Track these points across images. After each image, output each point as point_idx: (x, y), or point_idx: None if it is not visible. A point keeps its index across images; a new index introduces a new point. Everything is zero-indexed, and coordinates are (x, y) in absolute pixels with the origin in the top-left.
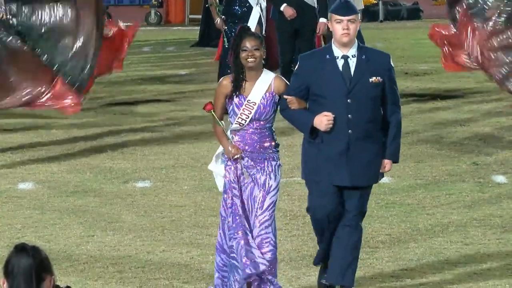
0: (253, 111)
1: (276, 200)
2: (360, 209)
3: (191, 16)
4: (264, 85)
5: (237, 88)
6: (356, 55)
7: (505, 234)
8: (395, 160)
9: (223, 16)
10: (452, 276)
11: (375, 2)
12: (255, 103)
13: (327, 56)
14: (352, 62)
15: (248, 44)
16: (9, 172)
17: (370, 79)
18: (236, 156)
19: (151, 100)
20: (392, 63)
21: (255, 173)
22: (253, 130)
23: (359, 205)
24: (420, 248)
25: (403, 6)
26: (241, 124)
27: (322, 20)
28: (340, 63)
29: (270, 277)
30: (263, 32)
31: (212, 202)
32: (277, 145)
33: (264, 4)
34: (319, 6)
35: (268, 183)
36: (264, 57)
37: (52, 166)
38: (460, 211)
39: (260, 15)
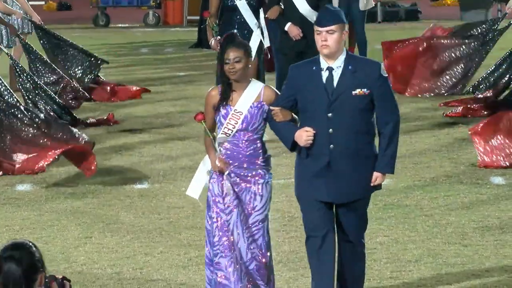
0: (239, 121)
1: (263, 218)
2: (355, 225)
3: (189, 17)
4: (252, 94)
5: (224, 98)
6: (342, 66)
7: (503, 236)
8: (387, 172)
9: (218, 37)
10: (450, 277)
11: (374, 2)
12: (242, 112)
13: (314, 68)
14: (337, 74)
15: (230, 55)
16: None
17: (354, 92)
18: (222, 171)
19: (150, 101)
20: (383, 72)
21: (241, 190)
22: (240, 141)
23: (353, 220)
24: (418, 249)
25: (401, 7)
26: (227, 135)
27: None
28: (325, 75)
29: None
30: (268, 56)
31: None
32: (267, 158)
33: (264, 29)
34: None
35: (253, 204)
36: (250, 65)
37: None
38: (458, 213)
39: (261, 39)
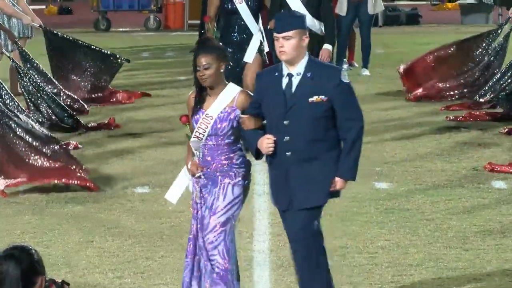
0: (209, 126)
1: (225, 221)
2: (304, 230)
3: (190, 22)
4: (225, 99)
5: (198, 103)
6: (302, 73)
7: (504, 240)
8: (348, 178)
9: (220, 43)
10: (451, 282)
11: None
12: (212, 117)
13: (276, 74)
14: (296, 81)
15: (199, 62)
16: None
17: (310, 99)
18: (194, 174)
19: (150, 105)
20: (344, 78)
21: (207, 193)
22: (211, 146)
23: (302, 226)
24: (420, 253)
25: (402, 11)
26: (199, 139)
27: (326, 46)
28: (285, 82)
29: None
30: (267, 62)
31: None
32: (243, 163)
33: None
34: (326, 32)
35: (215, 204)
36: (222, 70)
37: None
38: (459, 217)
39: (261, 42)
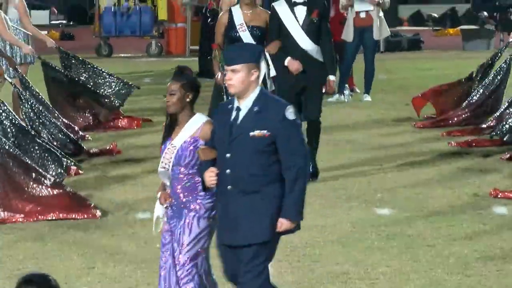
0: (173, 156)
1: (193, 256)
2: (249, 266)
3: (192, 47)
4: (190, 129)
5: (166, 132)
6: (249, 107)
7: (506, 266)
8: (292, 218)
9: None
10: None
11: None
12: (176, 147)
13: (229, 106)
14: (242, 114)
15: (167, 88)
16: None
17: (252, 133)
18: (163, 204)
19: (152, 131)
20: (289, 115)
21: (175, 224)
22: (178, 176)
23: (248, 263)
24: (421, 279)
25: (404, 37)
26: (165, 169)
27: (330, 77)
28: (233, 115)
29: None
30: (272, 88)
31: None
32: (207, 194)
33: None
34: (326, 61)
35: (182, 239)
36: (189, 99)
37: None
38: (461, 243)
39: (265, 71)
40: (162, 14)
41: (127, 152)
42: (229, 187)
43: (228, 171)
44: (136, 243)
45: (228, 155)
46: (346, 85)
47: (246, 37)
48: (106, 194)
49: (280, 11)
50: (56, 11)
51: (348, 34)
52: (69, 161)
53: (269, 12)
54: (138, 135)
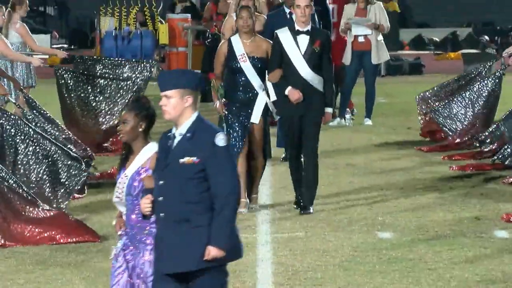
0: (125, 185)
1: None
2: None
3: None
4: (141, 159)
5: (122, 161)
6: (183, 134)
7: None
8: (219, 246)
9: (224, 100)
10: None
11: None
12: (128, 176)
13: (169, 134)
14: (176, 141)
15: (122, 117)
16: None
17: (182, 160)
18: (118, 233)
19: None
20: (219, 141)
21: (132, 252)
22: (130, 206)
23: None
24: None
25: (405, 61)
26: (119, 198)
27: (327, 110)
28: (169, 142)
29: None
30: (276, 118)
31: None
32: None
33: (271, 92)
34: (325, 92)
35: (143, 270)
36: (142, 129)
37: None
38: (462, 266)
39: (266, 101)
40: (163, 38)
41: None
42: (161, 214)
43: (160, 198)
44: None
45: (161, 182)
46: (348, 109)
47: (248, 68)
48: (107, 217)
49: (283, 38)
50: (57, 35)
51: (346, 57)
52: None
53: (269, 41)
54: None
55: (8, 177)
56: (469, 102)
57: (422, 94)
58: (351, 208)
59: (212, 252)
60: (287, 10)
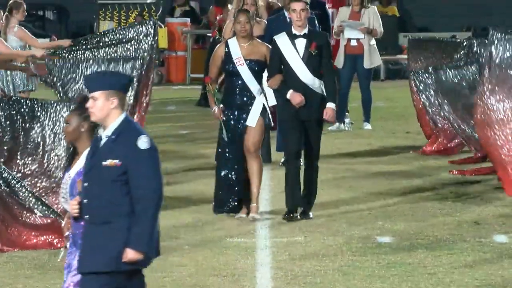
0: (68, 186)
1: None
2: None
3: (192, 75)
4: (83, 160)
5: (68, 162)
6: (109, 135)
7: None
8: (137, 248)
9: (221, 105)
10: None
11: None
12: (71, 177)
13: (99, 136)
14: (101, 143)
15: (65, 118)
16: None
17: (104, 162)
18: (65, 234)
19: None
20: (142, 144)
21: (72, 257)
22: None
23: None
24: None
25: (404, 65)
26: (64, 199)
27: (329, 105)
28: (97, 143)
29: None
30: (272, 124)
31: (213, 262)
32: None
33: (270, 93)
34: (327, 92)
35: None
36: (84, 129)
37: None
38: (461, 271)
39: (263, 105)
40: (162, 42)
41: None
42: (86, 216)
43: (85, 200)
44: None
45: (86, 184)
46: (347, 113)
47: (244, 71)
48: None
49: (280, 43)
50: (56, 39)
51: (338, 60)
52: None
53: (267, 45)
54: None
55: (10, 179)
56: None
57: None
58: (350, 212)
59: (130, 254)
60: (287, 15)
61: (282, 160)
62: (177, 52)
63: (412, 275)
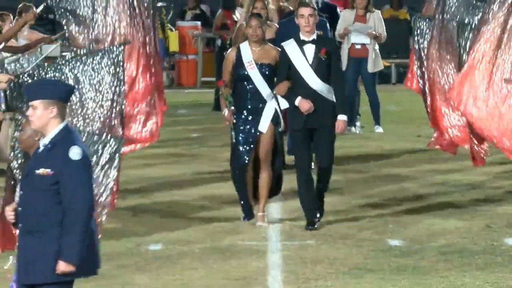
0: None
1: None
2: None
3: (203, 79)
4: None
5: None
6: (46, 144)
7: None
8: (68, 261)
9: (232, 108)
10: None
11: (388, 65)
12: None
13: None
14: (38, 152)
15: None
16: None
17: (37, 171)
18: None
19: (163, 163)
20: (73, 155)
21: None
22: None
23: None
24: None
25: None
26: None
27: (340, 117)
28: (37, 151)
29: None
30: (281, 128)
31: (224, 265)
32: None
33: (282, 100)
34: (337, 101)
35: None
36: (37, 138)
37: None
38: (472, 274)
39: (275, 110)
40: (174, 46)
41: (137, 184)
42: (20, 224)
43: (20, 209)
44: (148, 275)
45: (21, 192)
46: (358, 117)
47: (255, 75)
48: (117, 226)
49: (289, 50)
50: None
51: (342, 63)
52: None
53: (279, 49)
54: (148, 167)
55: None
56: None
57: None
58: (361, 215)
59: (61, 266)
60: None
61: (294, 163)
62: (188, 56)
63: (423, 278)
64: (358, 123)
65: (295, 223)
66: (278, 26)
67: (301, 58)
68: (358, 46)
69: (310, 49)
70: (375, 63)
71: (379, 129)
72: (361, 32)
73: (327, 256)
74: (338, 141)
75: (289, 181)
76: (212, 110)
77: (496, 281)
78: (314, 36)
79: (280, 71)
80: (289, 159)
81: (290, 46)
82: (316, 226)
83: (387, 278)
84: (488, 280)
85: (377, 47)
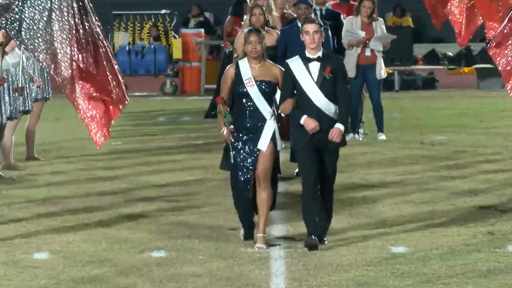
0: None
1: None
2: None
3: (206, 86)
4: None
5: None
6: None
7: None
8: None
9: (231, 127)
10: None
11: (391, 72)
12: None
13: None
14: None
15: None
16: (24, 241)
17: None
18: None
19: (167, 170)
20: None
21: None
22: None
23: None
24: None
25: (418, 75)
26: None
27: (337, 125)
28: None
29: None
30: (278, 148)
31: (228, 272)
32: None
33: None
34: (339, 110)
35: None
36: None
37: (68, 236)
38: (475, 281)
39: (275, 129)
40: (177, 53)
41: (142, 191)
42: None
43: None
44: (151, 281)
45: None
46: (361, 124)
47: (254, 92)
48: (120, 232)
49: (294, 67)
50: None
51: (350, 71)
52: None
53: (280, 67)
54: (152, 173)
55: None
56: None
57: None
58: (364, 222)
59: None
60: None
61: (296, 170)
62: (191, 63)
63: (426, 285)
64: (361, 130)
65: (298, 230)
66: (279, 33)
67: (306, 76)
68: (368, 52)
69: (315, 66)
70: (381, 70)
71: (382, 137)
72: (384, 39)
73: (330, 263)
74: (341, 149)
75: (292, 187)
76: (204, 118)
77: None
78: (319, 54)
79: (284, 89)
80: (288, 166)
81: (294, 63)
82: (318, 248)
83: (390, 285)
84: (491, 286)
85: (381, 54)
